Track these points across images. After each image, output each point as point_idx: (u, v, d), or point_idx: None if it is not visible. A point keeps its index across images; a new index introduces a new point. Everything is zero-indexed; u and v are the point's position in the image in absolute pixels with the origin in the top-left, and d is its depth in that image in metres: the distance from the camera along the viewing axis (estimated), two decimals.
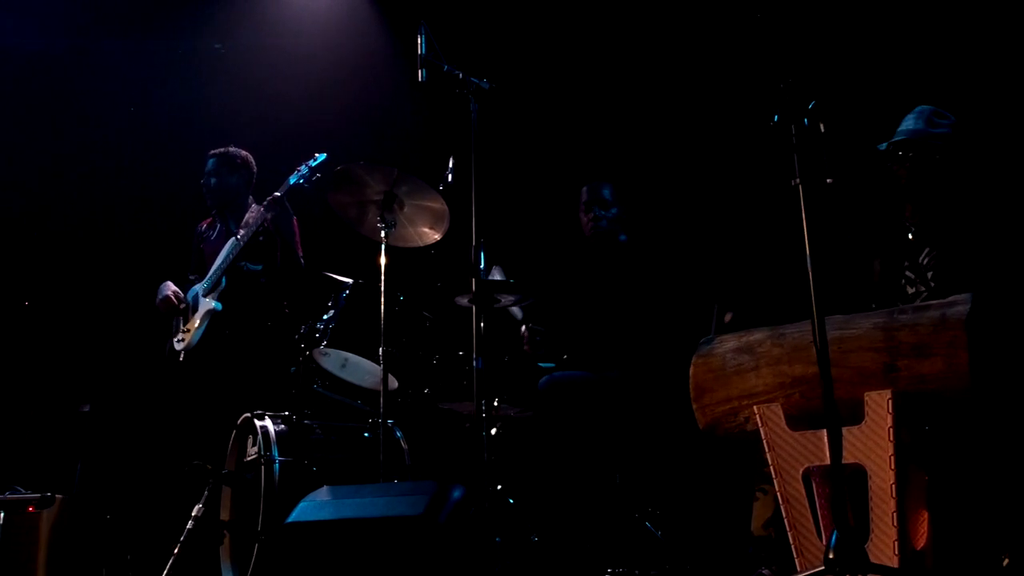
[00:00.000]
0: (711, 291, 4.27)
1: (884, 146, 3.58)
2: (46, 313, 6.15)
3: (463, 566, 3.12)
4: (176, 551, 4.19)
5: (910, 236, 3.58)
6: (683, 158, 5.37)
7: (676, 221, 5.20)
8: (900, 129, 3.59)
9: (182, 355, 4.88)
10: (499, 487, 4.00)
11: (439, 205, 4.20)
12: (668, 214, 5.24)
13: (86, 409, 5.61)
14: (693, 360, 3.25)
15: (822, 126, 2.80)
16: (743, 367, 3.13)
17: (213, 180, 5.16)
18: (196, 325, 4.87)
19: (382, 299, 4.05)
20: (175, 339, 4.96)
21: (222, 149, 5.21)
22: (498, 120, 4.31)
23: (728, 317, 3.98)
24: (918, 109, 3.62)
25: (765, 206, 4.52)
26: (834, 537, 2.52)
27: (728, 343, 3.21)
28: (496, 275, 4.55)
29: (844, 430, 2.79)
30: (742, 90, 4.72)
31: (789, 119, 2.78)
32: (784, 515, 2.95)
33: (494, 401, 4.31)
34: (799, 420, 3.00)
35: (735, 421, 3.15)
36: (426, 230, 4.33)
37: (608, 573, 3.80)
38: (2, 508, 4.80)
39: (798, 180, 2.75)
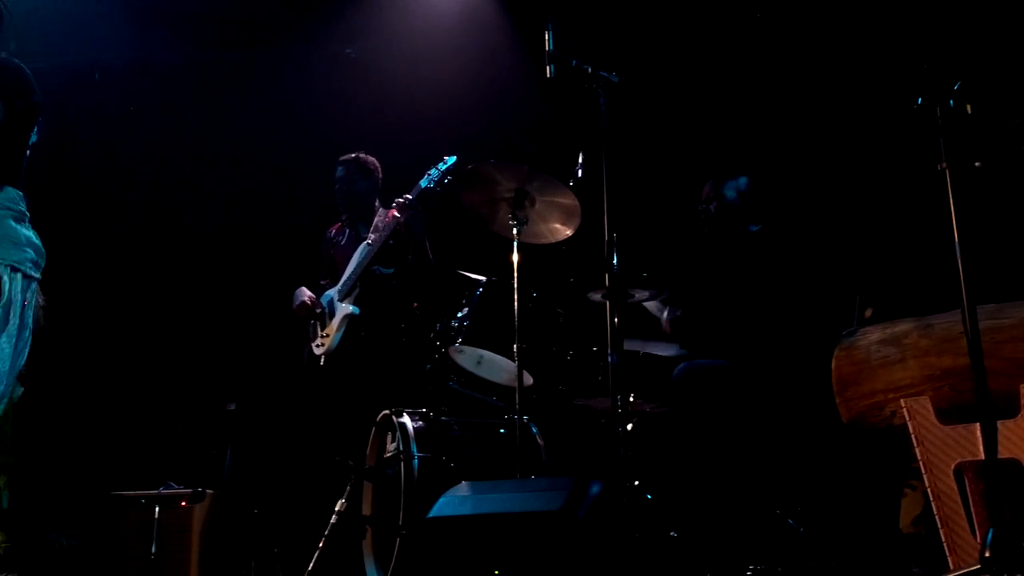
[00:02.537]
0: (853, 281, 4.15)
1: None
2: (194, 318, 6.40)
3: (602, 562, 3.11)
4: (320, 545, 4.30)
5: None
6: (822, 144, 5.23)
7: (815, 210, 5.07)
8: None
9: (322, 359, 5.00)
10: (636, 483, 3.97)
11: (570, 201, 4.19)
12: (806, 202, 5.12)
13: (232, 408, 5.81)
14: (835, 353, 3.17)
15: (969, 107, 2.69)
16: (888, 359, 3.04)
17: (346, 186, 5.27)
18: (335, 330, 4.98)
19: (515, 296, 4.06)
20: (314, 344, 5.07)
21: (352, 155, 5.32)
22: (628, 113, 4.28)
23: (868, 313, 3.86)
24: None
25: (910, 192, 4.37)
26: (990, 535, 2.43)
27: (872, 335, 3.12)
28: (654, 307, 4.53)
29: (999, 423, 2.68)
30: (884, 72, 4.57)
31: (934, 101, 2.68)
32: (935, 512, 2.86)
33: (630, 396, 4.29)
34: (949, 413, 2.89)
35: (881, 415, 3.06)
36: (558, 226, 4.33)
37: (750, 570, 3.74)
38: (157, 503, 5.02)
39: (945, 164, 2.65)
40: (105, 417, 6.21)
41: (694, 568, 3.77)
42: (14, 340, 3.09)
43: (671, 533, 3.79)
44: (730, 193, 4.60)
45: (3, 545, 4.75)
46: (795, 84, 5.38)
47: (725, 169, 4.71)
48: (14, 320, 3.08)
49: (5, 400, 3.11)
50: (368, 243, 5.06)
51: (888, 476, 3.34)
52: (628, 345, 4.47)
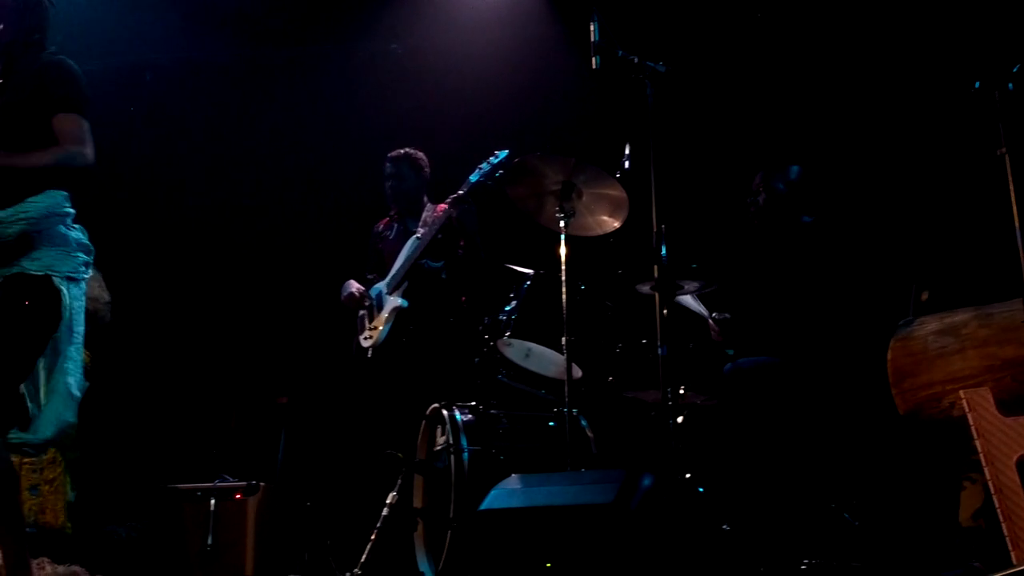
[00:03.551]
0: (908, 270, 4.08)
1: None
2: (246, 314, 6.47)
3: (654, 554, 3.09)
4: (372, 537, 4.33)
5: None
6: (877, 131, 5.14)
7: (868, 199, 4.99)
8: None
9: (370, 352, 5.02)
10: (688, 476, 3.94)
11: (618, 192, 4.16)
12: (861, 191, 5.03)
13: (284, 401, 5.87)
14: (891, 343, 3.13)
15: None
16: (946, 350, 2.99)
17: (394, 182, 5.29)
18: (383, 323, 5.00)
19: (563, 289, 4.05)
20: (362, 336, 5.10)
21: (401, 151, 5.33)
22: (676, 103, 4.24)
23: (924, 296, 3.80)
24: None
25: (968, 178, 4.28)
26: None
27: (929, 325, 3.07)
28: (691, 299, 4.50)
29: None
30: (940, 56, 4.48)
31: (992, 85, 2.62)
32: (996, 505, 2.80)
33: (680, 389, 4.25)
34: (1011, 405, 2.84)
35: (939, 407, 3.01)
36: (605, 218, 4.29)
37: (804, 564, 3.70)
38: (213, 495, 5.08)
39: (1004, 149, 2.59)
40: (161, 411, 6.31)
41: (747, 562, 3.74)
42: (81, 346, 3.17)
43: (723, 526, 3.76)
44: (779, 184, 4.55)
45: (69, 534, 4.86)
46: (848, 69, 5.30)
47: (776, 159, 4.65)
48: (78, 328, 3.16)
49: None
50: (417, 237, 5.07)
51: (947, 469, 3.28)
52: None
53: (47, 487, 4.94)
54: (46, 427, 3.14)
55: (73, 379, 3.18)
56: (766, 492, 4.02)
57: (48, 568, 3.35)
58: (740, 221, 4.72)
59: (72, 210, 3.25)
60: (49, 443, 3.29)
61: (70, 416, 3.18)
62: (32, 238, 3.11)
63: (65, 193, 3.23)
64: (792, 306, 4.35)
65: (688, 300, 4.59)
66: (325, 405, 5.79)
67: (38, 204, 3.14)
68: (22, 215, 3.11)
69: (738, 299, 4.56)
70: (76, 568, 3.52)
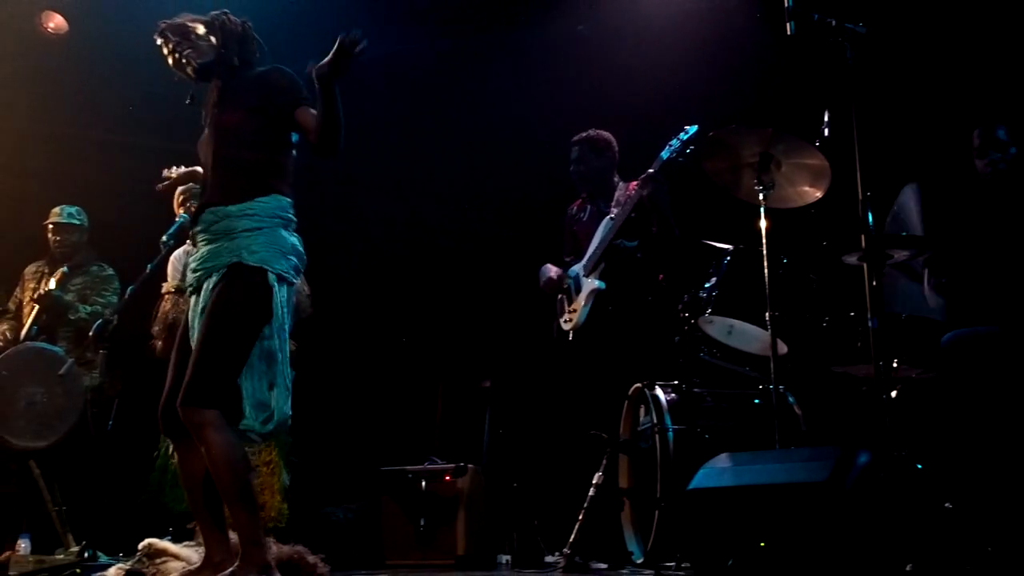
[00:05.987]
0: None
1: None
2: (449, 301, 6.65)
3: (872, 534, 2.99)
4: (580, 517, 4.38)
5: None
6: None
7: None
8: None
9: (571, 334, 5.06)
10: (904, 452, 3.78)
11: (819, 161, 4.02)
12: None
13: (488, 385, 6.00)
14: None
15: None
16: None
17: (581, 166, 5.29)
18: (582, 305, 5.01)
19: (765, 263, 3.96)
20: (562, 320, 5.12)
21: (584, 134, 5.32)
22: (877, 65, 4.05)
23: None
24: None
25: None
26: None
27: None
28: (911, 194, 4.30)
29: None
30: None
31: None
32: None
33: (893, 362, 4.08)
34: None
35: None
36: (807, 188, 4.16)
37: None
38: (423, 477, 5.26)
39: None
40: (371, 398, 6.57)
41: (973, 542, 3.56)
42: (287, 342, 3.37)
43: (946, 505, 3.60)
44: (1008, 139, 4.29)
45: (285, 516, 5.13)
46: None
47: (986, 118, 4.38)
48: (287, 325, 3.35)
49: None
50: (611, 217, 5.06)
51: None
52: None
53: (265, 469, 5.24)
54: (268, 418, 3.33)
55: (287, 373, 3.37)
56: (991, 468, 3.81)
57: (274, 548, 3.56)
58: (954, 183, 4.48)
59: (294, 219, 3.44)
60: (271, 435, 3.49)
61: (287, 408, 3.37)
62: (255, 234, 3.30)
63: (291, 200, 3.43)
64: (1016, 271, 4.09)
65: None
66: (529, 388, 5.87)
67: (266, 204, 3.34)
68: (249, 212, 3.32)
69: (956, 265, 4.32)
70: (299, 548, 3.72)
